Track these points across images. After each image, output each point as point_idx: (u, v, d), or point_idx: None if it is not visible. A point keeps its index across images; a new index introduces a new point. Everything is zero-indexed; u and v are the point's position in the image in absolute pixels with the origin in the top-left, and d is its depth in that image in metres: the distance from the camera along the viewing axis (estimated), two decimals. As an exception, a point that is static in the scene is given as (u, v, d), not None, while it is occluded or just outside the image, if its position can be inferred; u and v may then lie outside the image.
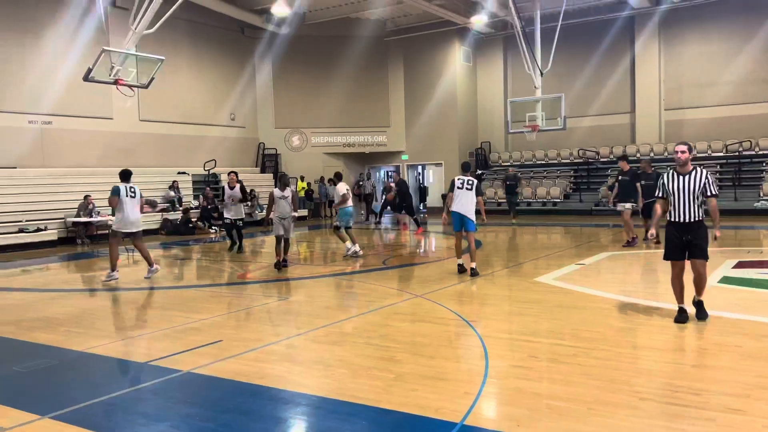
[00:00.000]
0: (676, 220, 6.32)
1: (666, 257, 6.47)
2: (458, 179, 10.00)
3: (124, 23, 17.53)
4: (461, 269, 10.10)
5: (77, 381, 5.32)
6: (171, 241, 17.69)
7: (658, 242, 10.89)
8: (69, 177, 18.71)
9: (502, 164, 26.41)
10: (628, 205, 12.74)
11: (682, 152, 6.32)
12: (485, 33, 26.06)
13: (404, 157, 27.05)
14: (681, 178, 6.31)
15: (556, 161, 25.57)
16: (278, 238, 11.27)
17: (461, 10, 22.90)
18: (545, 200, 23.94)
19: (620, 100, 24.48)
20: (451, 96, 25.83)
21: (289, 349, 6.04)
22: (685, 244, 6.29)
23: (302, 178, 25.49)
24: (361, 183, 26.53)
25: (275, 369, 5.35)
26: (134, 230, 10.42)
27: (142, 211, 10.77)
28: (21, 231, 16.31)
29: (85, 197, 17.64)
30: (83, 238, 17.31)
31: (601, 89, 24.50)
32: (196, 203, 21.42)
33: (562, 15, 19.69)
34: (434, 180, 27.35)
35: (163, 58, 16.38)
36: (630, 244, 12.91)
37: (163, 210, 20.20)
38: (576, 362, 5.24)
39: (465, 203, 9.84)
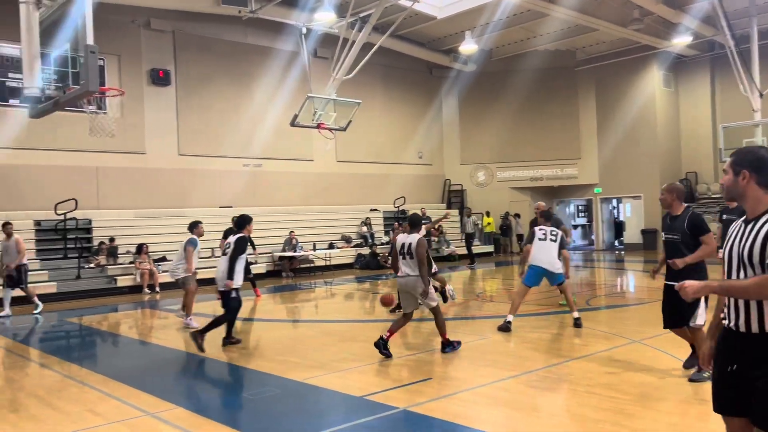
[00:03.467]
0: (728, 323, 2.89)
1: (715, 408, 2.99)
2: (540, 230, 8.82)
3: (325, 71, 18.86)
4: (505, 327, 8.56)
5: (301, 411, 5.48)
6: (364, 276, 18.31)
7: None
8: (276, 215, 20.26)
9: (712, 196, 23.94)
10: None
11: (725, 173, 3.02)
12: (688, 55, 24.08)
13: (597, 190, 25.65)
14: (742, 228, 2.94)
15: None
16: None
17: (660, 33, 21.41)
18: None
19: None
20: (650, 124, 24.11)
21: (503, 392, 5.73)
22: (738, 383, 2.81)
23: (488, 214, 25.22)
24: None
25: (494, 414, 5.08)
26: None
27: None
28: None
29: (290, 233, 18.94)
30: (287, 271, 18.53)
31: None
32: (386, 239, 22.05)
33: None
34: (632, 214, 25.53)
35: (359, 101, 17.28)
36: None
37: (356, 245, 21.07)
38: None
39: (549, 256, 8.69)
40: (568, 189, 26.47)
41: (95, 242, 16.41)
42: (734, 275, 2.85)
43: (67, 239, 15.91)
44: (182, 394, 6.24)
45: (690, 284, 2.86)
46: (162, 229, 17.54)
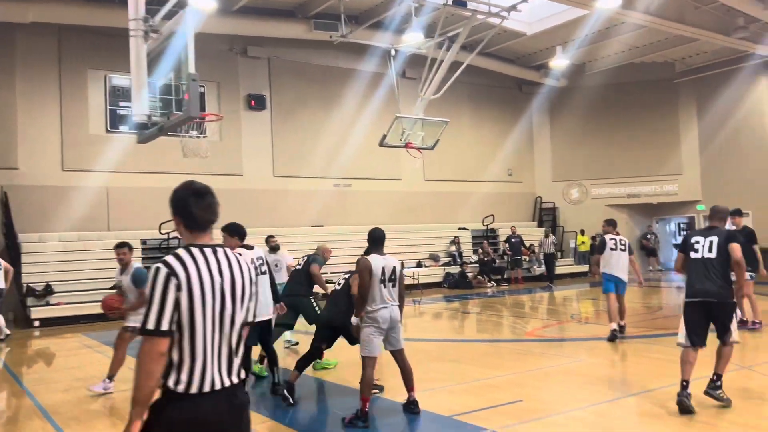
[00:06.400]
0: None
1: None
2: (610, 239, 9.36)
3: (412, 91, 19.03)
4: (612, 337, 8.91)
5: (390, 430, 5.47)
6: (452, 295, 18.15)
7: None
8: (364, 233, 20.44)
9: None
10: (746, 276, 8.29)
11: None
12: (801, 62, 22.48)
13: (700, 207, 24.22)
14: None
15: None
16: None
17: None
18: None
19: None
20: (759, 136, 22.60)
21: (599, 417, 5.50)
22: None
23: (582, 232, 24.40)
24: (648, 236, 24.53)
25: (588, 439, 4.88)
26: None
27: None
28: (327, 282, 18.21)
29: (378, 252, 19.10)
30: (376, 290, 18.66)
31: None
32: (475, 257, 21.80)
33: None
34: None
35: (447, 120, 17.26)
36: (753, 326, 9.62)
37: (445, 264, 20.96)
38: None
39: (621, 266, 9.26)
40: (669, 206, 25.21)
41: (195, 260, 17.20)
42: None
43: (170, 257, 16.79)
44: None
45: None
46: (257, 247, 18.14)
